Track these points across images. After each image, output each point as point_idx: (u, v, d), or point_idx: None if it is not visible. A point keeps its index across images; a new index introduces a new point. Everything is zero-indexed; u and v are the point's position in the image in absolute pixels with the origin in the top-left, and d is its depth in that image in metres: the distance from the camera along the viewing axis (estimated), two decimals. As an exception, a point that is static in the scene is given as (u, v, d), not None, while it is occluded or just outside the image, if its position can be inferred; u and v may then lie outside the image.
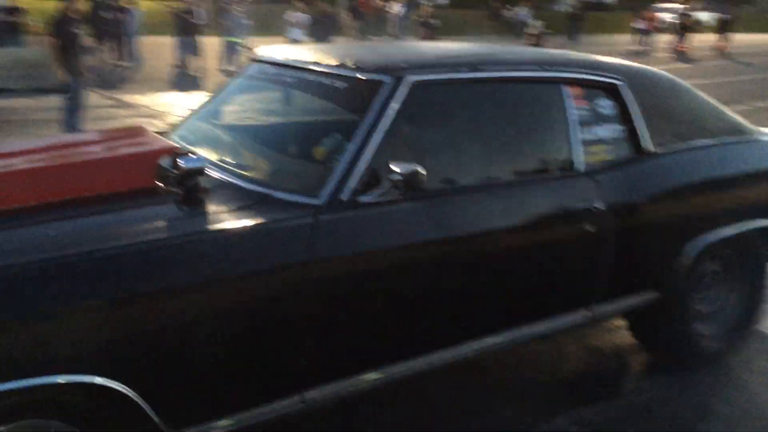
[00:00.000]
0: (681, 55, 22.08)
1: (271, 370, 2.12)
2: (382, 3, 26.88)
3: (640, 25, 24.36)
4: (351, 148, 2.25)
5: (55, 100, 8.00)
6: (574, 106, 2.73)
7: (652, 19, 24.61)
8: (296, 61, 2.75)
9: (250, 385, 2.11)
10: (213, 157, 2.54)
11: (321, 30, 14.73)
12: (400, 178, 2.13)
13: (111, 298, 1.82)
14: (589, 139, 2.75)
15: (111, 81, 12.87)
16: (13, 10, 14.21)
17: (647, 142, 2.87)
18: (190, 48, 13.63)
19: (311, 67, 2.64)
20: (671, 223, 2.90)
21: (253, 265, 2.02)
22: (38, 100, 10.14)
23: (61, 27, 7.34)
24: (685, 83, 3.25)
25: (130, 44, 15.03)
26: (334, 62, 2.57)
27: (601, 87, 2.82)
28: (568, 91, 2.72)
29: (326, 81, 2.56)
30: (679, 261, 2.90)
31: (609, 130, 2.82)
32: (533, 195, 2.61)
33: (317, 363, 2.21)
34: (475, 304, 2.51)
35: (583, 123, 2.74)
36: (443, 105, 2.54)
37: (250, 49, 13.19)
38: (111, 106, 10.35)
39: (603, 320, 3.05)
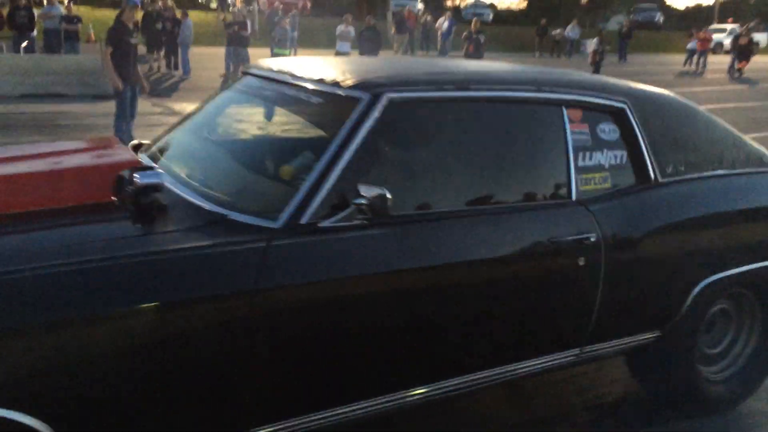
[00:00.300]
0: (737, 76, 21.56)
1: (212, 407, 1.93)
2: (428, 18, 27.01)
3: (693, 45, 23.90)
4: (317, 167, 2.07)
5: (106, 107, 8.20)
6: (573, 130, 2.52)
7: (705, 40, 24.14)
8: (279, 74, 2.57)
9: (186, 423, 1.91)
10: (183, 172, 2.38)
11: (367, 44, 14.83)
12: (364, 201, 1.96)
13: (31, 323, 1.65)
14: (587, 165, 2.53)
15: (162, 89, 13.17)
16: (71, 19, 14.72)
17: (652, 171, 2.64)
18: (239, 58, 13.86)
19: (291, 81, 2.48)
20: (675, 259, 2.64)
21: (195, 292, 1.83)
22: (91, 106, 10.46)
23: (116, 36, 7.51)
24: (701, 108, 2.98)
25: (181, 54, 15.37)
26: (315, 77, 2.41)
27: (604, 110, 2.60)
28: (568, 114, 2.52)
29: (304, 96, 2.41)
30: (682, 299, 2.65)
31: (610, 157, 2.59)
32: (519, 224, 2.38)
33: (264, 401, 2.01)
34: (447, 341, 2.28)
35: (582, 148, 2.53)
36: (425, 125, 2.37)
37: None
38: (161, 114, 10.56)
39: (598, 359, 2.77)
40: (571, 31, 28.47)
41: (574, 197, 2.48)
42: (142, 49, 11.80)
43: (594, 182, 2.55)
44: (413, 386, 2.24)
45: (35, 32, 14.30)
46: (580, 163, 2.51)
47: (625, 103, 2.63)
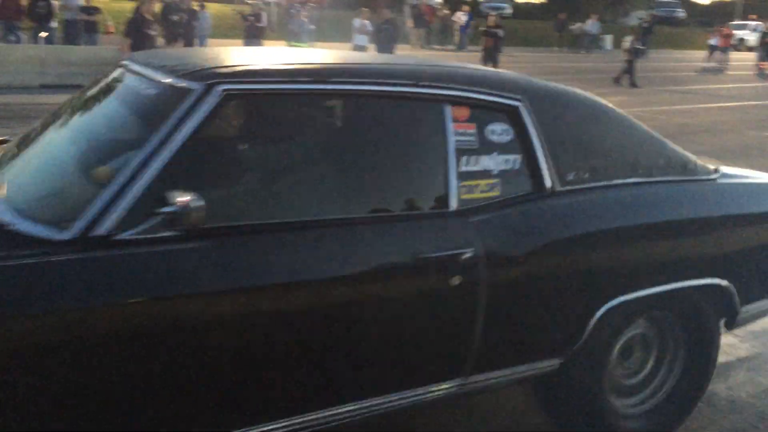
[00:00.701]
0: (761, 73, 21.25)
1: None
2: (446, 12, 26.86)
3: (715, 41, 23.58)
4: (127, 169, 1.77)
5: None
6: (457, 130, 2.19)
7: (727, 36, 23.79)
8: (138, 65, 2.25)
9: None
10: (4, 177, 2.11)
11: (384, 37, 14.77)
12: (172, 210, 1.68)
13: None
14: (471, 170, 2.19)
15: (179, 81, 13.19)
16: (90, 10, 14.79)
17: (549, 178, 2.29)
18: (256, 51, 13.86)
19: (141, 71, 2.18)
20: (573, 278, 2.31)
21: None
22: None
23: (135, 27, 7.55)
24: (617, 109, 2.64)
25: (199, 46, 15.42)
26: (159, 65, 2.11)
27: (496, 108, 2.27)
28: (452, 112, 2.20)
29: (142, 88, 2.11)
30: (583, 323, 2.31)
31: (501, 161, 2.25)
32: (377, 237, 2.05)
33: None
34: (281, 376, 1.94)
35: (467, 151, 2.19)
36: (269, 122, 2.10)
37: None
38: (177, 106, 10.62)
39: (488, 391, 2.40)
40: (591, 26, 28.20)
41: (452, 207, 2.15)
42: (160, 41, 11.82)
43: (479, 190, 2.21)
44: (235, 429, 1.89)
45: (55, 23, 14.39)
46: (463, 168, 2.18)
47: (520, 100, 2.29)
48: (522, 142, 2.29)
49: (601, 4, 41.25)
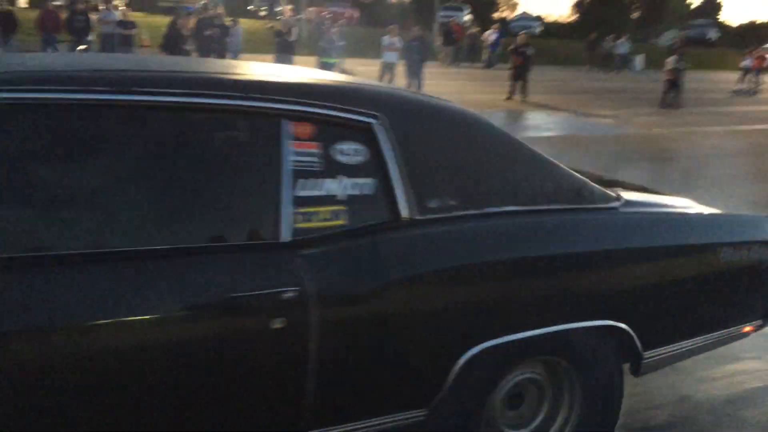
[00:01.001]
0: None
1: None
2: (475, 30, 26.92)
3: (748, 63, 23.27)
4: None
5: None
6: (296, 149, 1.90)
7: (760, 58, 23.45)
8: None
9: None
10: None
11: (413, 54, 14.84)
12: None
13: None
14: (310, 196, 1.91)
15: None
16: (127, 24, 15.15)
17: (404, 205, 2.00)
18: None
19: None
20: (430, 320, 2.01)
21: None
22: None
23: (170, 42, 7.70)
24: (499, 129, 2.35)
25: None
26: None
27: (345, 125, 1.98)
28: (291, 129, 1.91)
29: None
30: (444, 370, 2.03)
31: (348, 186, 1.96)
32: (183, 272, 1.77)
33: None
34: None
35: (307, 173, 1.90)
36: (53, 138, 1.75)
37: (343, 70, 13.45)
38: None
39: None
40: (621, 45, 28.01)
41: (283, 238, 1.86)
42: (194, 56, 12.05)
43: (319, 218, 1.91)
44: None
45: (92, 36, 14.77)
46: (301, 192, 1.89)
47: (376, 117, 2.01)
48: (376, 165, 1.99)
49: (633, 23, 41.08)
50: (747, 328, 2.62)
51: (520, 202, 2.20)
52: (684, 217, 2.57)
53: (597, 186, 2.41)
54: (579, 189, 2.35)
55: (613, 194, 2.46)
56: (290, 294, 1.80)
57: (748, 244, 2.54)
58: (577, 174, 2.39)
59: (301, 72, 2.47)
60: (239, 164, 1.90)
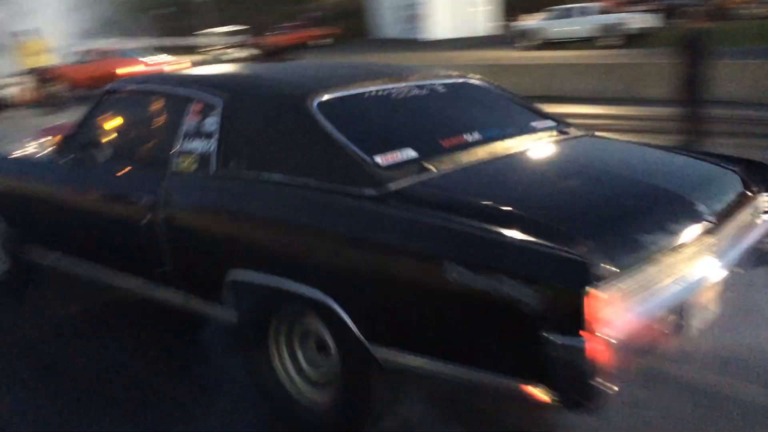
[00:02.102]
0: None
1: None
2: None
3: None
4: None
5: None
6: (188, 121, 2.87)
7: None
8: None
9: None
10: None
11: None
12: None
13: None
14: (187, 149, 2.85)
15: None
16: None
17: (214, 163, 2.73)
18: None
19: None
20: (206, 240, 2.74)
21: None
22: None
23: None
24: (317, 117, 2.56)
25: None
26: None
27: (205, 104, 2.87)
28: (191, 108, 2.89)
29: None
30: (222, 282, 2.64)
31: (200, 146, 2.80)
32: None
33: None
34: None
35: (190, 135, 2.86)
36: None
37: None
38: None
39: None
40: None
41: (168, 171, 2.88)
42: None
43: (186, 163, 2.83)
44: None
45: None
46: (184, 146, 2.86)
47: (221, 98, 2.81)
48: (212, 133, 2.77)
49: None
50: (531, 390, 1.95)
51: (287, 173, 2.52)
52: (413, 220, 2.19)
53: (376, 174, 2.35)
54: (350, 170, 2.39)
55: (393, 183, 2.32)
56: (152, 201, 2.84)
57: (491, 270, 1.95)
58: (364, 157, 2.40)
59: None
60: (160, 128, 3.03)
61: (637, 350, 2.03)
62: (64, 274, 3.59)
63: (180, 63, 18.31)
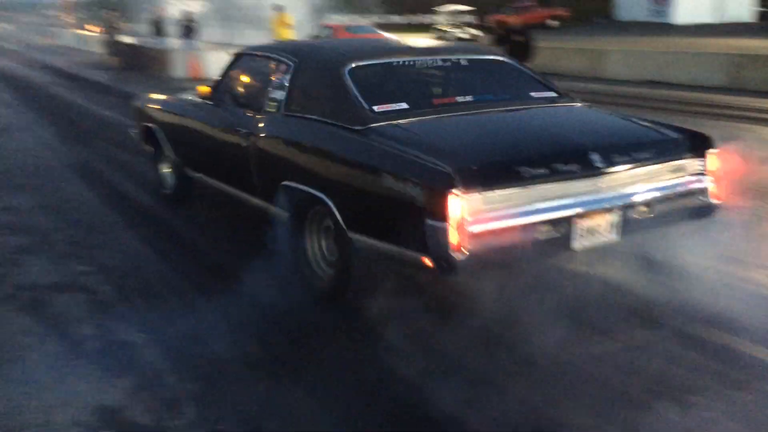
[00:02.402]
0: None
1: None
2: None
3: None
4: None
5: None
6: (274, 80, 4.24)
7: None
8: None
9: None
10: None
11: None
12: None
13: None
14: (276, 96, 4.18)
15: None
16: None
17: (282, 106, 4.08)
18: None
19: None
20: (271, 160, 4.08)
21: None
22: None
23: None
24: (342, 72, 3.81)
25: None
26: None
27: (284, 63, 4.25)
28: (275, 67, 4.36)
29: None
30: (278, 187, 3.93)
31: (279, 93, 4.13)
32: None
33: None
34: None
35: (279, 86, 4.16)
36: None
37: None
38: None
39: None
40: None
41: (262, 112, 4.25)
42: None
43: (272, 104, 4.19)
44: None
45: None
46: (275, 94, 4.19)
47: (294, 61, 4.16)
48: (285, 84, 4.12)
49: None
50: (425, 259, 2.98)
51: (318, 114, 3.84)
52: (372, 146, 3.40)
53: (366, 115, 3.58)
54: (349, 110, 3.64)
55: (376, 122, 3.50)
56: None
57: (405, 179, 3.06)
58: (366, 104, 3.62)
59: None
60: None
61: (496, 243, 2.99)
62: (209, 189, 5.12)
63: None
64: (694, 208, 3.54)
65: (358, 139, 3.47)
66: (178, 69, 17.09)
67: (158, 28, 21.32)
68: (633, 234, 3.36)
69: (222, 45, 20.31)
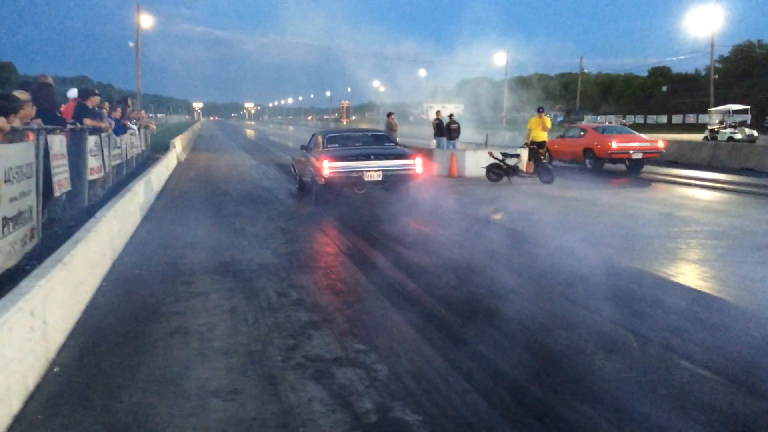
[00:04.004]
0: None
1: None
2: None
3: None
4: None
5: None
6: None
7: None
8: None
9: None
10: None
11: None
12: None
13: None
14: None
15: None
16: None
17: None
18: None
19: None
20: None
21: None
22: None
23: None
24: None
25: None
26: None
27: None
28: None
29: None
30: None
31: None
32: None
33: None
34: None
35: None
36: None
37: None
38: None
39: None
40: None
41: None
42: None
43: None
44: None
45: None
46: None
47: None
48: (309, 140, 14.36)
49: None
50: (320, 178, 12.56)
51: (306, 148, 14.24)
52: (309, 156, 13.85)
53: None
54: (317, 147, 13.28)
55: None
56: None
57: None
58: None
59: None
60: None
61: (340, 179, 11.98)
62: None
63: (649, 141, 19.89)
64: (409, 174, 12.21)
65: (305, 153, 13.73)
66: (441, 168, 18.21)
67: (438, 129, 23.10)
68: (389, 178, 12.10)
69: (476, 145, 21.26)
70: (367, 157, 11.80)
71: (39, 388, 3.99)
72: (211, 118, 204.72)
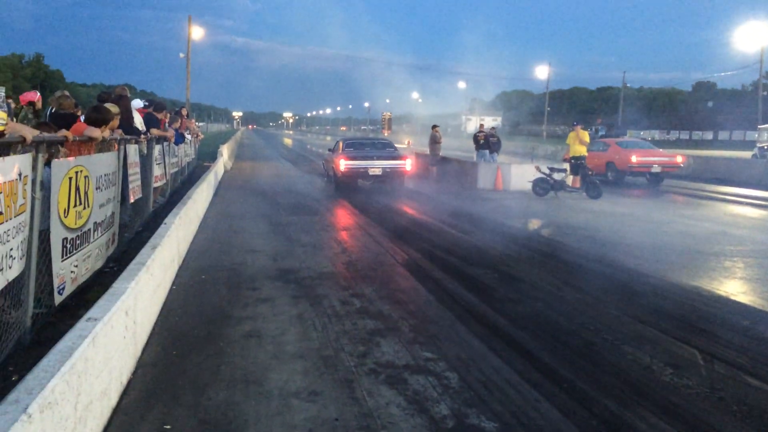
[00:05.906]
0: None
1: None
2: None
3: None
4: None
5: None
6: None
7: None
8: None
9: None
10: None
11: None
12: None
13: None
14: None
15: None
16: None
17: None
18: None
19: None
20: None
21: None
22: None
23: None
24: None
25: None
26: None
27: None
28: None
29: None
30: None
31: None
32: None
33: None
34: None
35: None
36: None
37: None
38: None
39: None
40: None
41: None
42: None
43: None
44: None
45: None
46: None
47: None
48: (330, 151, 21.45)
49: None
50: (337, 173, 18.42)
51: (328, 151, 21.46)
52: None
53: None
54: (336, 151, 19.73)
55: None
56: None
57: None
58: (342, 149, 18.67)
59: None
60: None
61: (351, 173, 17.16)
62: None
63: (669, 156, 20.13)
64: (401, 171, 17.11)
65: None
66: (485, 181, 18.29)
67: (478, 143, 23.19)
68: (386, 173, 17.12)
69: (519, 157, 21.34)
70: (371, 158, 16.99)
71: (131, 384, 4.22)
72: (250, 127, 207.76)
